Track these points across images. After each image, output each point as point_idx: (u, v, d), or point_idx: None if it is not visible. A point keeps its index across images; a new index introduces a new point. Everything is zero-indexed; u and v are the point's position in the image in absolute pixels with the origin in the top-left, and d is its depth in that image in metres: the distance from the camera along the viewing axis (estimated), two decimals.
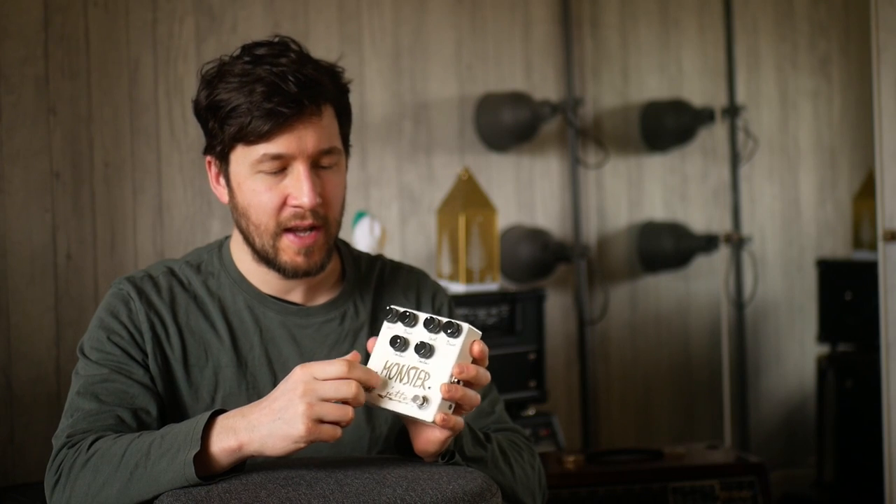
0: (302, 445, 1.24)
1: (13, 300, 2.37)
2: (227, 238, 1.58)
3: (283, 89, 1.39)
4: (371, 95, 2.88)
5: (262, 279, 1.53)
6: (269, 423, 1.25)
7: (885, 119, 2.38)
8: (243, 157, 1.44)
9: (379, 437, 1.52)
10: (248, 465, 1.32)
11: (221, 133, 1.44)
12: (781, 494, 3.52)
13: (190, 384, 1.48)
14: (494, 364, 2.45)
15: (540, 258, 3.02)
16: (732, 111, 3.50)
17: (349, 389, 1.23)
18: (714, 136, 3.48)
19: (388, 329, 1.31)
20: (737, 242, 3.48)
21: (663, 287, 3.48)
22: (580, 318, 3.24)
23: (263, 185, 1.44)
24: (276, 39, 1.46)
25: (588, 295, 3.25)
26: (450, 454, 1.36)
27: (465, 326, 1.28)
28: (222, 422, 1.29)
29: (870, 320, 2.72)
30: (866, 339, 3.22)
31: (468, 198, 2.71)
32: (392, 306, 1.31)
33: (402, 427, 1.40)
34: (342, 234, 1.69)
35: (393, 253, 2.88)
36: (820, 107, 3.83)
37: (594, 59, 3.31)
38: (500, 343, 2.69)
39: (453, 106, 3.03)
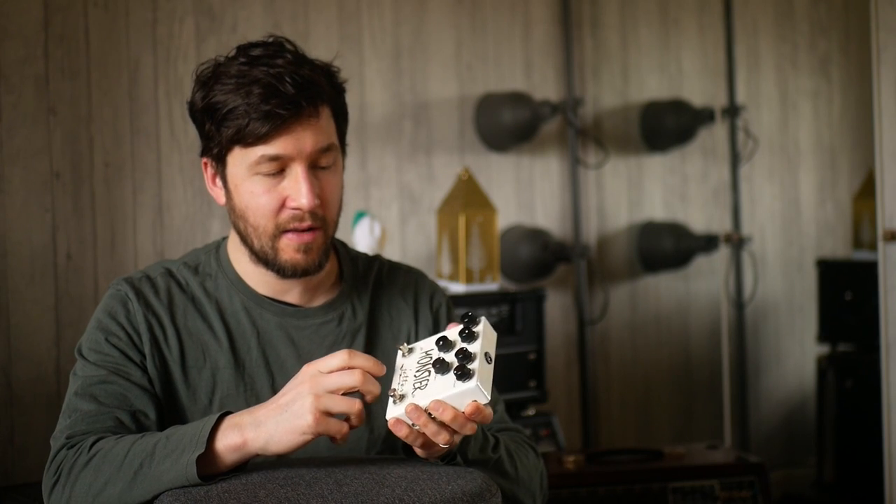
0: (309, 437, 1.25)
1: (13, 300, 2.37)
2: (225, 239, 1.58)
3: (280, 91, 1.39)
4: (371, 95, 2.88)
5: (260, 280, 1.53)
6: (276, 416, 1.27)
7: (885, 119, 2.38)
8: (241, 159, 1.44)
9: (378, 438, 1.52)
10: (249, 466, 1.32)
11: (218, 135, 1.43)
12: (781, 494, 3.52)
13: (188, 386, 1.48)
14: (495, 364, 2.45)
15: (540, 258, 3.02)
16: (732, 111, 3.50)
17: (353, 378, 1.25)
18: (714, 136, 3.48)
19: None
20: (737, 242, 3.48)
21: (663, 287, 3.48)
22: (580, 318, 3.24)
23: (261, 186, 1.44)
24: (271, 39, 1.46)
25: (588, 295, 3.25)
26: (451, 456, 1.36)
27: (474, 384, 1.25)
28: (229, 421, 1.30)
29: (870, 320, 2.72)
30: (866, 339, 3.22)
31: (468, 198, 2.71)
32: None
33: None
34: (342, 235, 1.69)
35: (393, 253, 2.87)
36: (820, 107, 3.83)
37: (594, 59, 3.31)
38: (500, 343, 2.67)
39: (453, 106, 3.03)
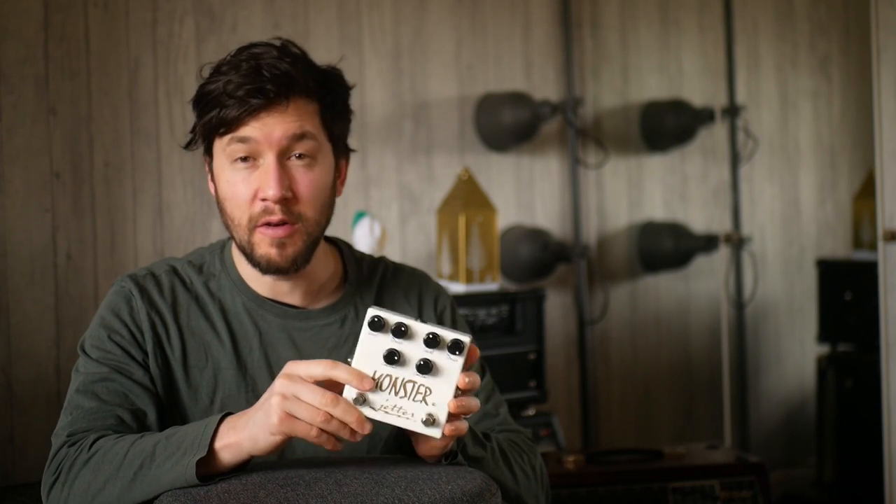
0: (278, 437, 1.24)
1: (13, 300, 2.37)
2: (230, 239, 1.58)
3: (255, 79, 1.41)
4: (371, 95, 2.88)
5: (262, 281, 1.52)
6: (254, 417, 1.26)
7: (885, 119, 2.38)
8: (220, 149, 1.46)
9: (379, 441, 1.52)
10: (250, 466, 1.32)
11: (201, 125, 1.46)
12: (781, 494, 3.52)
13: (189, 385, 1.48)
14: (494, 364, 2.45)
15: (540, 258, 3.02)
16: (732, 111, 3.50)
17: (323, 400, 1.21)
18: (714, 136, 3.48)
19: (373, 337, 1.24)
20: (737, 242, 3.49)
21: (663, 287, 3.48)
22: (580, 318, 3.24)
23: (238, 176, 1.44)
24: (277, 43, 1.47)
25: (588, 295, 3.25)
26: (452, 454, 1.36)
27: (468, 340, 1.24)
28: (228, 422, 1.30)
29: (870, 320, 2.72)
30: (866, 339, 3.22)
31: (468, 198, 2.71)
32: (379, 314, 1.24)
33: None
34: (342, 235, 1.69)
35: (393, 253, 2.88)
36: (820, 107, 3.83)
37: (594, 59, 3.31)
38: (500, 343, 2.69)
39: (453, 106, 3.03)
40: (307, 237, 1.47)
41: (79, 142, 2.46)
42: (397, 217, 2.93)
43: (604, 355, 3.33)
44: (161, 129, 2.57)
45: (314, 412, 1.21)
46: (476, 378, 1.27)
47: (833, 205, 3.86)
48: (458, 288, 2.69)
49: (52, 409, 2.37)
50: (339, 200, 1.56)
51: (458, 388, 1.25)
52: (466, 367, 1.26)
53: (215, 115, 1.42)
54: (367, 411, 1.24)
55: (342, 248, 1.62)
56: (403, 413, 1.24)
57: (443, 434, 1.25)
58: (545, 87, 3.18)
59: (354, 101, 1.55)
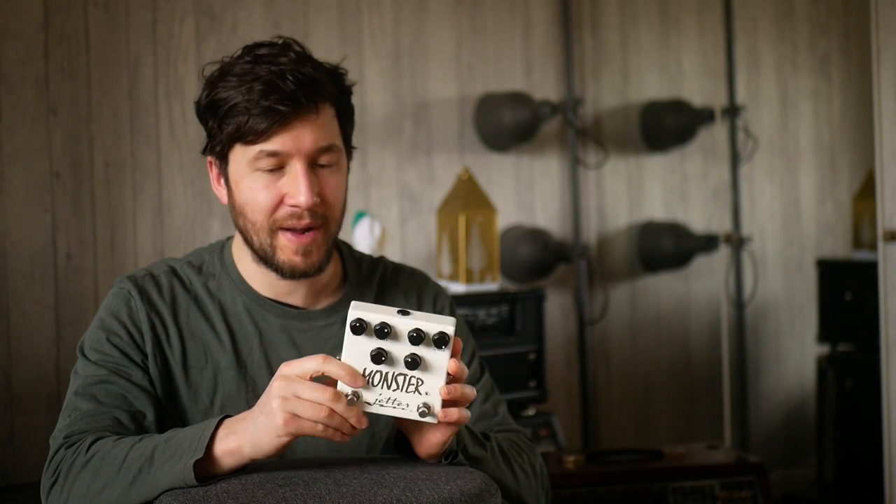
0: (284, 438, 1.24)
1: (13, 300, 2.37)
2: (230, 239, 1.58)
3: (280, 87, 1.39)
4: (371, 95, 2.88)
5: (263, 282, 1.52)
6: (255, 418, 1.26)
7: (885, 119, 2.38)
8: (241, 156, 1.44)
9: (378, 441, 1.52)
10: (250, 467, 1.32)
11: (220, 133, 1.44)
12: (781, 494, 3.52)
13: (189, 386, 1.48)
14: (494, 364, 2.45)
15: (540, 258, 3.02)
16: (732, 111, 3.50)
17: (323, 397, 1.22)
18: (714, 136, 3.48)
19: (357, 339, 1.24)
20: (737, 242, 3.49)
21: (663, 287, 3.48)
22: (580, 318, 3.24)
23: (261, 183, 1.44)
24: (280, 41, 1.46)
25: (588, 295, 3.25)
26: (453, 454, 1.35)
27: (451, 331, 1.25)
28: (226, 426, 1.30)
29: (870, 320, 2.72)
30: (866, 339, 3.22)
31: (468, 198, 2.71)
32: (360, 317, 1.24)
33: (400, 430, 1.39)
34: (343, 235, 1.68)
35: (393, 253, 2.88)
36: (820, 107, 3.83)
37: (594, 59, 3.31)
38: (500, 343, 2.69)
39: (453, 106, 3.03)
40: (329, 239, 1.48)
41: (79, 142, 2.46)
42: (397, 217, 2.93)
43: (604, 355, 3.33)
44: (161, 129, 2.57)
45: (317, 409, 1.22)
46: (464, 367, 1.27)
47: (833, 205, 3.86)
48: (458, 288, 2.69)
49: (52, 410, 2.37)
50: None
51: (448, 375, 1.26)
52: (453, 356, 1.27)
53: (241, 123, 1.40)
54: (363, 406, 1.25)
55: (342, 249, 1.62)
56: (398, 404, 1.25)
57: (439, 421, 1.25)
58: (545, 87, 3.18)
59: (355, 102, 1.55)
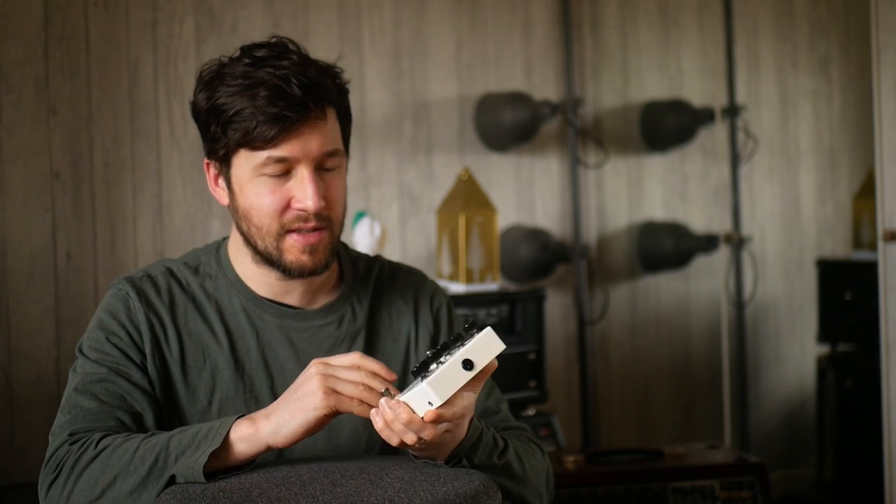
0: (320, 413, 1.28)
1: (13, 300, 2.37)
2: (225, 240, 1.58)
3: (287, 93, 1.38)
4: (371, 95, 2.88)
5: (260, 282, 1.52)
6: (287, 403, 1.30)
7: (885, 119, 2.38)
8: (246, 161, 1.44)
9: (376, 440, 1.52)
10: (253, 466, 1.33)
11: (224, 138, 1.43)
12: (781, 494, 3.52)
13: (187, 386, 1.48)
14: (491, 373, 2.45)
15: (540, 258, 3.02)
16: (732, 111, 3.50)
17: (359, 375, 1.29)
18: (714, 136, 3.48)
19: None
20: (737, 242, 3.48)
21: (663, 287, 3.48)
22: (580, 318, 3.24)
23: (266, 187, 1.43)
24: (274, 40, 1.46)
25: (588, 295, 3.25)
26: (455, 459, 1.35)
27: (477, 360, 1.25)
28: (245, 417, 1.33)
29: (870, 320, 2.72)
30: (866, 339, 3.22)
31: (468, 198, 2.71)
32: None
33: None
34: (343, 236, 1.68)
35: (393, 253, 2.88)
36: (820, 107, 3.83)
37: (594, 59, 3.31)
38: None
39: (453, 106, 3.03)
40: (333, 239, 1.49)
41: (79, 142, 2.46)
42: (397, 217, 2.93)
43: (604, 355, 3.33)
44: (161, 129, 2.57)
45: (355, 385, 1.28)
46: (444, 416, 1.26)
47: (833, 205, 3.86)
48: (458, 288, 2.69)
49: (52, 409, 2.36)
50: None
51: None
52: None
53: (248, 130, 1.40)
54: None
55: (339, 248, 1.62)
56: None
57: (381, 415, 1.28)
58: (545, 87, 3.18)
59: (355, 101, 1.55)
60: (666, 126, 3.34)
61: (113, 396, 1.42)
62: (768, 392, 3.72)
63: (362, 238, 2.58)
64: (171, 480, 1.29)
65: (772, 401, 3.73)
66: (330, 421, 1.30)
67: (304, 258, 1.46)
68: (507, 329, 2.72)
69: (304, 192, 1.42)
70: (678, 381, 3.51)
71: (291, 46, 1.45)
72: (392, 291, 1.62)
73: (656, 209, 3.44)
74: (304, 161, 1.42)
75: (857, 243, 3.51)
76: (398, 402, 1.26)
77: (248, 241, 1.49)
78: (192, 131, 2.58)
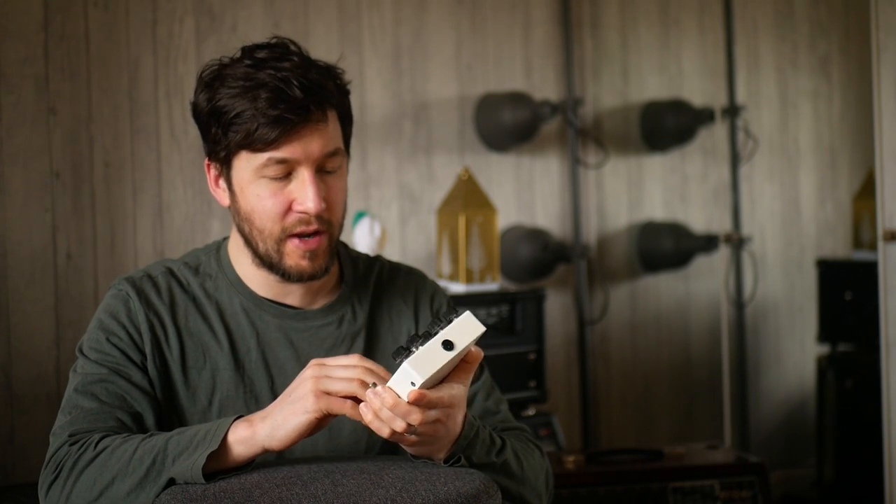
0: (311, 416, 1.27)
1: (13, 300, 2.37)
2: (225, 240, 1.58)
3: (288, 95, 1.38)
4: (371, 95, 2.88)
5: (260, 282, 1.52)
6: (281, 406, 1.30)
7: (885, 119, 2.38)
8: (247, 163, 1.43)
9: (376, 440, 1.52)
10: (253, 465, 1.33)
11: (225, 139, 1.43)
12: (781, 494, 3.52)
13: (187, 386, 1.48)
14: (494, 364, 2.45)
15: (540, 258, 3.02)
16: (732, 111, 3.50)
17: (355, 372, 1.27)
18: (714, 136, 3.48)
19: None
20: (737, 242, 3.48)
21: (663, 287, 3.48)
22: (580, 318, 3.24)
23: (268, 190, 1.43)
24: (275, 41, 1.45)
25: (588, 295, 3.25)
26: (455, 458, 1.35)
27: (457, 342, 1.25)
28: (243, 419, 1.32)
29: (870, 320, 2.72)
30: (866, 339, 3.22)
31: (468, 198, 2.71)
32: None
33: None
34: (343, 236, 1.68)
35: (393, 253, 2.88)
36: (820, 107, 3.83)
37: (594, 59, 3.31)
38: (500, 343, 2.69)
39: (453, 106, 3.03)
40: (332, 242, 1.49)
41: (79, 142, 2.46)
42: (397, 217, 2.93)
43: (604, 355, 3.33)
44: (161, 129, 2.57)
45: (349, 382, 1.27)
46: (428, 398, 1.25)
47: (833, 205, 3.86)
48: (458, 288, 2.69)
49: (52, 409, 2.37)
50: None
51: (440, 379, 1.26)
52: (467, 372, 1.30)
53: (250, 132, 1.39)
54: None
55: (339, 249, 1.62)
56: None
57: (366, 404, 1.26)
58: (545, 87, 3.18)
59: (355, 101, 1.55)
60: (666, 126, 3.34)
61: (113, 397, 1.42)
62: (768, 392, 3.72)
63: (362, 238, 2.58)
64: (170, 482, 1.29)
65: (772, 401, 3.73)
66: (327, 423, 1.29)
67: (304, 263, 1.46)
68: (507, 329, 2.72)
69: (305, 194, 1.42)
70: (678, 381, 3.51)
71: (293, 48, 1.45)
72: (392, 292, 1.62)
73: (656, 209, 3.44)
74: (304, 163, 1.42)
75: (857, 243, 3.51)
76: (383, 387, 1.25)
77: (249, 244, 1.49)
78: (192, 131, 2.58)
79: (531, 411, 2.75)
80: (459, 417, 1.32)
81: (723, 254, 3.38)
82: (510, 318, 2.73)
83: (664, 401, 3.49)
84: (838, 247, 3.84)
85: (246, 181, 1.44)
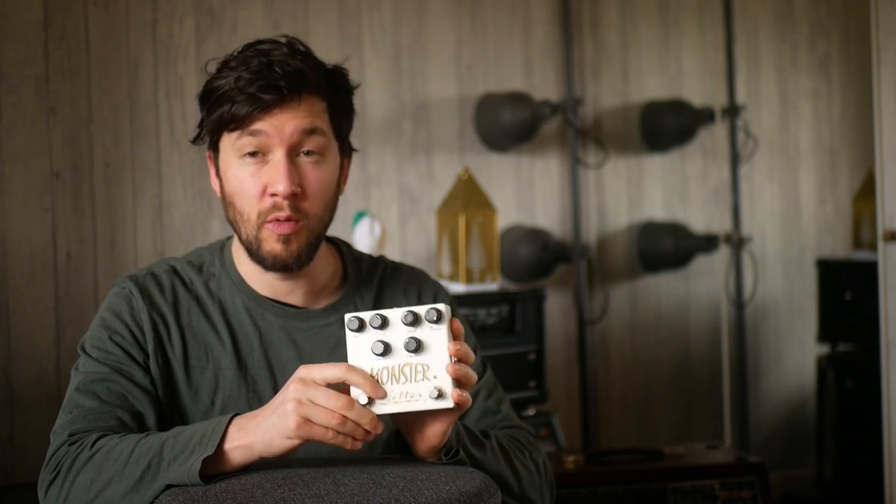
0: (295, 441, 1.24)
1: (13, 300, 2.37)
2: (229, 239, 1.58)
3: (265, 76, 1.41)
4: (371, 95, 2.88)
5: (262, 281, 1.52)
6: (268, 417, 1.27)
7: (885, 119, 2.38)
8: (228, 144, 1.46)
9: (378, 440, 1.51)
10: (253, 466, 1.32)
11: (209, 120, 1.46)
12: (781, 494, 3.52)
13: (190, 385, 1.48)
14: (494, 364, 2.45)
15: (540, 258, 3.02)
16: (732, 111, 3.50)
17: (339, 403, 1.23)
18: (714, 136, 3.48)
19: (358, 338, 1.26)
20: (737, 242, 3.49)
21: (663, 287, 3.48)
22: (580, 318, 3.24)
23: (246, 171, 1.45)
24: (283, 39, 1.47)
25: (588, 295, 3.25)
26: (453, 452, 1.35)
27: (444, 308, 1.26)
28: (238, 422, 1.30)
29: (870, 320, 2.72)
30: (866, 339, 3.22)
31: (468, 198, 2.71)
32: (349, 315, 1.26)
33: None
34: (343, 235, 1.69)
35: (393, 253, 2.88)
36: (820, 107, 3.83)
37: (594, 59, 3.31)
38: (500, 343, 2.69)
39: (453, 106, 3.03)
40: (310, 234, 1.48)
41: (79, 142, 2.46)
42: (397, 217, 2.93)
43: (604, 355, 3.33)
44: (161, 129, 2.57)
45: (329, 415, 1.23)
46: (465, 347, 1.27)
47: (833, 205, 3.86)
48: (458, 288, 2.69)
49: (52, 409, 2.37)
50: (339, 200, 1.56)
51: (450, 356, 1.26)
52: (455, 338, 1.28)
53: (226, 110, 1.42)
54: (377, 408, 1.26)
55: (342, 248, 1.62)
56: (411, 397, 1.25)
57: (455, 403, 1.25)
58: (545, 87, 3.18)
59: (355, 102, 1.55)
60: (666, 126, 3.34)
61: (114, 396, 1.42)
62: (768, 392, 3.72)
63: (362, 238, 2.58)
64: (166, 486, 1.29)
65: (772, 401, 3.73)
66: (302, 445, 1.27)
67: (278, 247, 1.45)
68: (507, 329, 2.72)
69: (276, 175, 1.43)
70: (678, 381, 3.51)
71: (300, 47, 1.47)
72: (395, 291, 1.62)
73: (656, 209, 3.44)
74: (278, 143, 1.43)
75: (857, 243, 3.51)
76: (454, 364, 1.24)
77: (237, 232, 1.50)
78: (192, 131, 2.57)
79: (531, 411, 2.75)
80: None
81: (723, 254, 3.38)
82: (510, 318, 2.73)
83: (664, 401, 3.49)
84: (838, 247, 3.84)
85: (228, 163, 1.47)
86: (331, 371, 1.25)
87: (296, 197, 1.44)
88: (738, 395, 3.59)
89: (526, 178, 3.17)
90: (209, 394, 1.48)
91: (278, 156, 1.44)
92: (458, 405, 1.26)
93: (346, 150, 1.54)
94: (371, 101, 2.88)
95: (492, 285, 2.72)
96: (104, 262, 2.49)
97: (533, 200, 3.18)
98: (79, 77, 2.45)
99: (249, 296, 1.53)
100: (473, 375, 1.28)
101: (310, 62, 1.46)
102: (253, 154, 1.44)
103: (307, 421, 1.23)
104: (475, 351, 1.64)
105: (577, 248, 3.03)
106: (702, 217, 3.54)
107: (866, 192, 3.43)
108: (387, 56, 2.92)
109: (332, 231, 1.62)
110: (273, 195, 1.43)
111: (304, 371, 1.26)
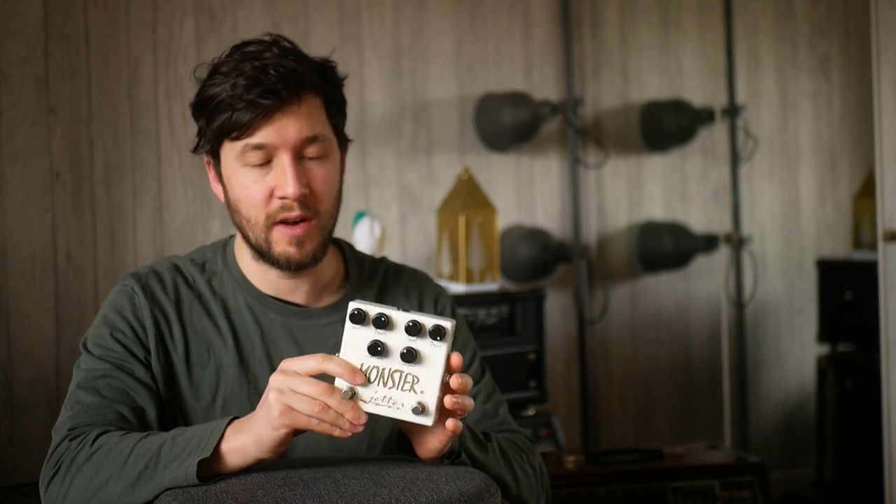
0: (281, 431, 1.24)
1: (13, 300, 2.37)
2: (232, 238, 1.59)
3: (262, 81, 1.40)
4: (371, 95, 2.88)
5: (264, 279, 1.53)
6: (257, 415, 1.27)
7: (885, 119, 2.38)
8: (230, 152, 1.46)
9: (378, 440, 1.52)
10: (253, 467, 1.32)
11: (209, 129, 1.46)
12: (781, 494, 3.52)
13: (191, 382, 1.48)
14: (494, 364, 2.46)
15: (540, 258, 3.02)
16: (732, 111, 3.50)
17: (316, 390, 1.22)
18: (714, 136, 3.48)
19: (356, 330, 1.25)
20: (737, 242, 3.49)
21: (663, 287, 3.48)
22: (580, 318, 3.24)
23: (251, 178, 1.45)
24: (268, 38, 1.47)
25: (588, 295, 3.25)
26: (455, 454, 1.35)
27: (449, 326, 1.24)
28: (235, 425, 1.30)
29: (870, 320, 2.72)
30: (866, 339, 3.22)
31: (468, 198, 2.71)
32: (359, 307, 1.24)
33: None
34: (343, 235, 1.69)
35: (393, 253, 2.88)
36: (820, 107, 3.83)
37: (594, 59, 3.31)
38: (500, 343, 2.69)
39: (453, 106, 3.03)
40: (323, 230, 1.49)
41: (79, 142, 2.46)
42: (397, 217, 2.93)
43: (604, 355, 3.34)
44: (161, 129, 2.57)
45: (310, 402, 1.22)
46: (468, 380, 1.26)
47: (833, 205, 3.86)
48: (458, 288, 2.69)
49: (52, 409, 2.37)
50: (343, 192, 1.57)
51: (447, 384, 1.24)
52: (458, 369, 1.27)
53: (227, 118, 1.42)
54: (359, 403, 1.25)
55: (344, 249, 1.63)
56: (393, 403, 1.24)
57: (435, 423, 1.24)
58: (545, 87, 3.18)
59: (355, 101, 1.56)
60: (666, 126, 3.34)
61: (115, 391, 1.42)
62: (768, 392, 3.72)
63: (362, 238, 2.58)
64: (162, 487, 1.29)
65: (772, 401, 3.73)
66: (303, 432, 1.26)
67: (291, 250, 1.46)
68: (507, 329, 2.72)
69: (283, 178, 1.43)
70: (678, 381, 3.52)
71: (284, 43, 1.46)
72: (396, 292, 1.62)
73: (656, 209, 3.44)
74: (282, 148, 1.43)
75: (857, 243, 3.51)
76: (458, 397, 1.24)
77: (244, 236, 1.50)
78: (192, 131, 2.57)
79: (531, 411, 2.75)
80: None
81: (723, 254, 3.38)
82: (510, 318, 2.73)
83: (664, 401, 3.49)
84: (838, 247, 3.84)
85: (231, 171, 1.47)
86: (309, 362, 1.24)
87: (305, 197, 1.45)
88: (738, 396, 3.60)
89: (526, 178, 3.17)
90: (210, 391, 1.48)
91: (283, 160, 1.44)
92: (451, 432, 1.26)
93: (343, 143, 1.55)
94: (371, 101, 2.88)
95: (492, 285, 2.72)
96: (104, 262, 2.49)
97: (533, 200, 3.18)
98: (79, 77, 2.45)
99: (252, 294, 1.53)
100: (471, 404, 1.27)
101: (302, 61, 1.46)
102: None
103: (290, 409, 1.23)
104: (474, 355, 1.64)
105: (577, 248, 3.03)
106: (702, 217, 3.54)
107: (866, 192, 3.43)
108: (387, 56, 2.92)
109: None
110: (282, 198, 1.44)
111: (285, 363, 1.26)
